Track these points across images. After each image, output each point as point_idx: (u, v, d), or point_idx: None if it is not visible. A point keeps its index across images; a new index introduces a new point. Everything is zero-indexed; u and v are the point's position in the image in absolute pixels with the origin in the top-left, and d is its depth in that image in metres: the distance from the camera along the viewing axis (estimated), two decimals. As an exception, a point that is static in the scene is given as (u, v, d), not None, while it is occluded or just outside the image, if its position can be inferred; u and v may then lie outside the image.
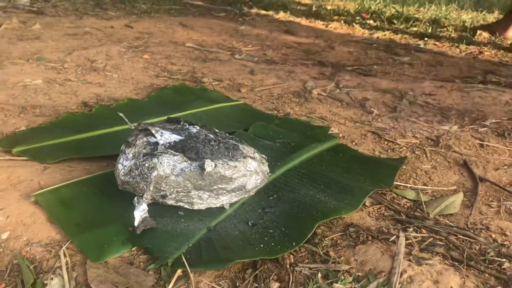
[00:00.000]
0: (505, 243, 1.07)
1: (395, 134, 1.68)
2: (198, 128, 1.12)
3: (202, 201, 1.05)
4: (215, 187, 1.04)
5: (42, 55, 2.36)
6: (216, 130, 1.17)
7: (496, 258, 1.00)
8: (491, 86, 2.32)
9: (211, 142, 1.07)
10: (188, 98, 1.85)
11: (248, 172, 1.07)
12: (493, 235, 1.10)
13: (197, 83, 2.13)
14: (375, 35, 3.72)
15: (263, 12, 4.45)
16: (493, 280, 0.93)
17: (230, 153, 1.06)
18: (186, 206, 1.06)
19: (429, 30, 3.86)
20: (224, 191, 1.06)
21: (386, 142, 1.61)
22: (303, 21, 4.15)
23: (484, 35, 3.80)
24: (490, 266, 0.97)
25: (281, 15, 4.32)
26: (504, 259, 1.00)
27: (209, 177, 1.02)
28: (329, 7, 4.79)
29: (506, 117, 1.90)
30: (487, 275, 0.95)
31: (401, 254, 0.96)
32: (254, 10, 4.48)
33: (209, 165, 1.00)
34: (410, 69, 2.77)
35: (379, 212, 1.17)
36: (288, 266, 0.94)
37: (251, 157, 1.09)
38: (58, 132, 1.46)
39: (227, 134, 1.18)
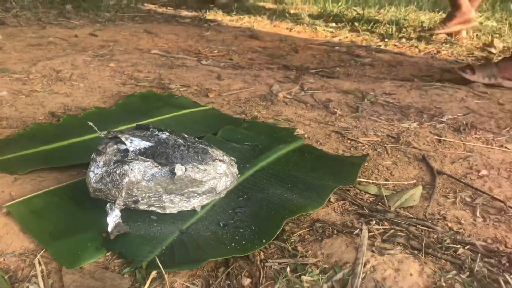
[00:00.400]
0: (460, 231, 1.15)
1: (358, 133, 1.75)
2: (167, 134, 1.15)
3: (174, 204, 1.09)
4: (186, 190, 1.08)
5: (6, 67, 2.33)
6: (185, 135, 1.21)
7: (452, 245, 1.07)
8: (447, 84, 2.43)
9: (180, 147, 1.10)
10: (156, 105, 1.88)
11: (218, 174, 1.12)
12: (450, 224, 1.18)
13: (164, 89, 2.15)
14: (338, 38, 3.82)
15: (228, 17, 4.49)
16: (449, 265, 1.00)
17: (199, 157, 1.10)
18: (158, 210, 1.09)
19: (389, 32, 3.98)
20: (195, 194, 1.10)
21: (349, 141, 1.68)
22: (268, 26, 4.22)
23: (441, 35, 3.95)
24: (446, 252, 1.04)
25: (246, 20, 4.38)
26: (459, 246, 1.07)
27: (180, 181, 1.05)
28: (292, 11, 4.88)
29: (461, 113, 2.01)
30: (443, 261, 1.01)
31: (364, 246, 1.02)
32: (219, 16, 4.52)
33: (179, 169, 1.04)
34: (371, 70, 2.87)
35: (343, 207, 1.23)
36: (258, 263, 0.99)
37: (220, 160, 1.13)
38: (26, 143, 1.47)
39: (196, 139, 1.22)
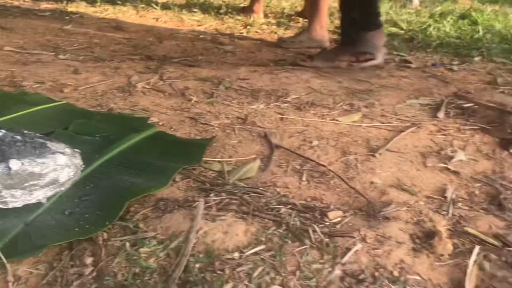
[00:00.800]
0: (286, 194, 1.33)
1: (210, 117, 1.89)
2: (3, 131, 1.18)
3: (16, 199, 1.12)
4: (27, 184, 1.12)
5: None
6: (25, 131, 1.24)
7: (276, 206, 1.25)
8: (297, 67, 2.68)
9: (17, 143, 1.14)
10: (6, 104, 1.83)
11: (59, 166, 1.17)
12: (278, 189, 1.36)
13: (16, 87, 2.10)
14: (203, 27, 3.94)
15: (91, 9, 4.38)
16: (271, 223, 1.17)
17: (37, 151, 1.14)
18: (1, 205, 1.12)
19: (252, 19, 4.19)
20: (37, 187, 1.14)
21: (201, 125, 1.81)
22: (134, 16, 4.20)
23: (300, 20, 4.27)
24: (270, 213, 1.22)
25: (111, 11, 4.31)
26: (281, 206, 1.25)
27: (17, 176, 1.09)
28: (159, 0, 4.89)
29: (304, 92, 2.24)
30: (266, 220, 1.18)
31: (199, 216, 1.15)
32: (81, 8, 4.39)
33: (15, 164, 1.08)
34: (232, 57, 3.03)
35: (187, 185, 1.36)
36: (101, 242, 1.07)
37: (60, 152, 1.19)
38: None
39: (37, 134, 1.26)
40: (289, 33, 3.80)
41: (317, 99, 2.15)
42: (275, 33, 3.82)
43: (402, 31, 3.91)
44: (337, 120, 1.91)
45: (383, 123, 1.89)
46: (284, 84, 2.35)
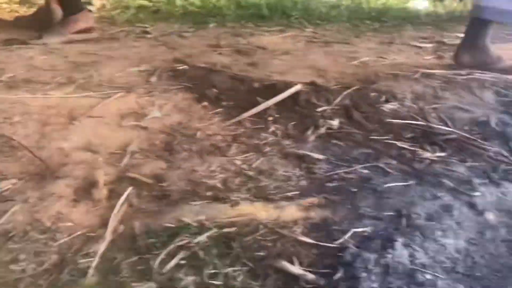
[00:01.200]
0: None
1: None
2: None
3: None
4: None
5: None
6: None
7: None
8: (24, 46, 2.59)
9: None
10: None
11: None
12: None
13: None
14: None
15: None
16: None
17: None
18: None
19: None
20: None
21: None
22: None
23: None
24: None
25: None
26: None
27: None
28: None
29: (23, 70, 2.19)
30: None
31: None
32: None
33: None
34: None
35: None
36: None
37: None
38: None
39: None
40: (32, 12, 3.61)
41: (34, 76, 2.13)
42: (16, 11, 3.60)
43: (151, 4, 4.05)
44: (48, 94, 1.93)
45: (95, 92, 1.98)
46: (2, 63, 2.26)
